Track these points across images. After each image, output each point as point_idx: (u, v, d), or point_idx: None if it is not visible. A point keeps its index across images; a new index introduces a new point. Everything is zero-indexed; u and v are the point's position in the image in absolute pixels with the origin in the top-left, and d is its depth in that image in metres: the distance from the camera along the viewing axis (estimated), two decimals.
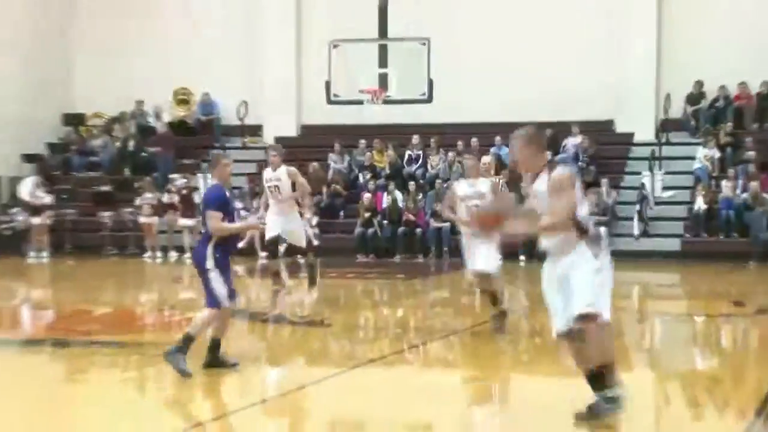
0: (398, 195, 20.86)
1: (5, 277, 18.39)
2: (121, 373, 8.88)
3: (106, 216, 21.53)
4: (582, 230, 6.38)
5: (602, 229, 6.68)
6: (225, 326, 8.60)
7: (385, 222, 20.59)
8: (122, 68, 23.70)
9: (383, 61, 19.21)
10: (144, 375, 8.00)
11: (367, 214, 20.57)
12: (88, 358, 9.76)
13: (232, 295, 8.45)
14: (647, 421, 7.37)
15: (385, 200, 20.96)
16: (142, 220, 21.02)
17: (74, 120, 24.41)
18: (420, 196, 20.92)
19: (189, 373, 8.10)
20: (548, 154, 6.61)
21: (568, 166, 6.60)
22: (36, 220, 21.27)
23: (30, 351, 10.59)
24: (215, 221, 8.31)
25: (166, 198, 21.23)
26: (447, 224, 18.49)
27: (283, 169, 13.27)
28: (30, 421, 7.23)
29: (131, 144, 23.26)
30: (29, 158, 23.17)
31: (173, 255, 20.56)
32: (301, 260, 13.96)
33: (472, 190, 10.61)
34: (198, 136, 23.68)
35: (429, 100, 18.91)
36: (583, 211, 6.51)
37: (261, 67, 23.31)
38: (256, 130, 23.49)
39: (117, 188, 22.46)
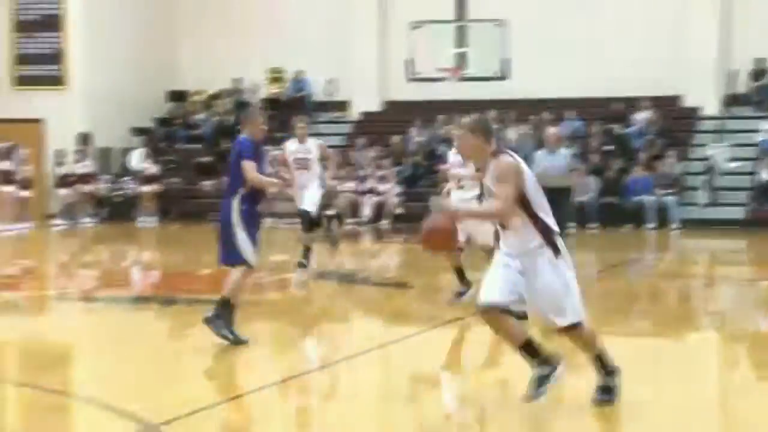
0: None
1: (117, 241, 18.73)
2: None
3: (207, 184, 21.75)
4: (546, 234, 5.61)
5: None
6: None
7: None
8: (222, 48, 23.84)
9: (461, 41, 19.04)
10: (241, 330, 8.02)
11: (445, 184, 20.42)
12: (192, 315, 9.86)
13: (255, 252, 7.80)
14: (713, 381, 7.20)
15: None
16: None
17: (178, 97, 24.67)
18: None
19: (231, 338, 7.68)
20: (494, 143, 5.76)
21: (514, 156, 5.76)
22: (145, 188, 21.59)
23: (140, 308, 10.74)
24: (252, 170, 7.77)
25: None
26: None
27: (312, 142, 12.32)
28: (140, 371, 7.33)
29: (229, 119, 23.44)
30: (138, 132, 23.51)
31: (267, 220, 20.63)
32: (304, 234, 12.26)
33: (458, 162, 9.86)
34: (290, 111, 23.74)
35: (505, 77, 18.68)
36: (545, 211, 5.68)
37: (348, 47, 23.23)
38: (343, 106, 23.47)
39: (217, 159, 22.66)
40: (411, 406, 6.32)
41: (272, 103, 23.88)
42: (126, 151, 22.68)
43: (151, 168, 21.87)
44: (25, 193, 20.32)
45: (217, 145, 23.13)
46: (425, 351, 8.04)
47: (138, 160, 21.99)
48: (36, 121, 22.01)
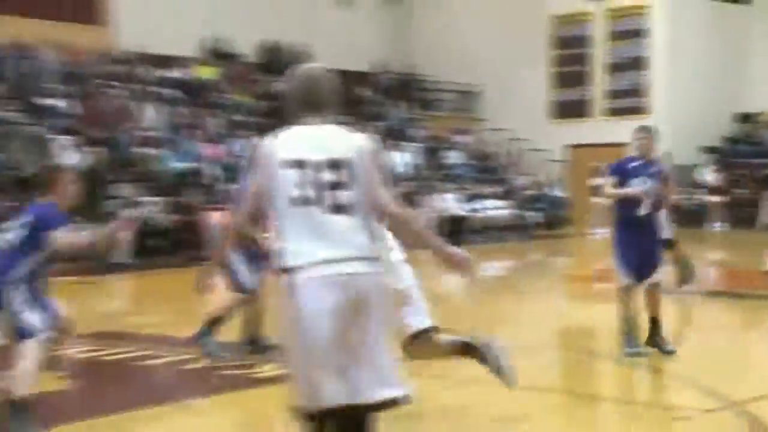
0: None
1: (689, 244, 19.38)
2: None
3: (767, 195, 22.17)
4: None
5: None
6: (653, 302, 7.14)
7: None
8: None
9: None
10: None
11: None
12: (760, 310, 10.10)
13: (627, 273, 6.92)
14: None
15: None
16: None
17: (744, 118, 25.19)
18: None
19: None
20: None
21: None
22: (713, 198, 22.73)
23: (713, 300, 11.01)
24: (604, 185, 7.07)
25: None
26: None
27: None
28: (719, 355, 7.63)
29: None
30: (707, 150, 24.56)
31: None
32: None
33: None
34: None
35: None
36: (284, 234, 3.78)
37: None
38: None
39: None
40: None
41: None
42: (695, 167, 23.84)
43: (719, 181, 22.92)
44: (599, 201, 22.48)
45: None
46: None
47: (707, 174, 23.18)
48: (621, 144, 23.96)
